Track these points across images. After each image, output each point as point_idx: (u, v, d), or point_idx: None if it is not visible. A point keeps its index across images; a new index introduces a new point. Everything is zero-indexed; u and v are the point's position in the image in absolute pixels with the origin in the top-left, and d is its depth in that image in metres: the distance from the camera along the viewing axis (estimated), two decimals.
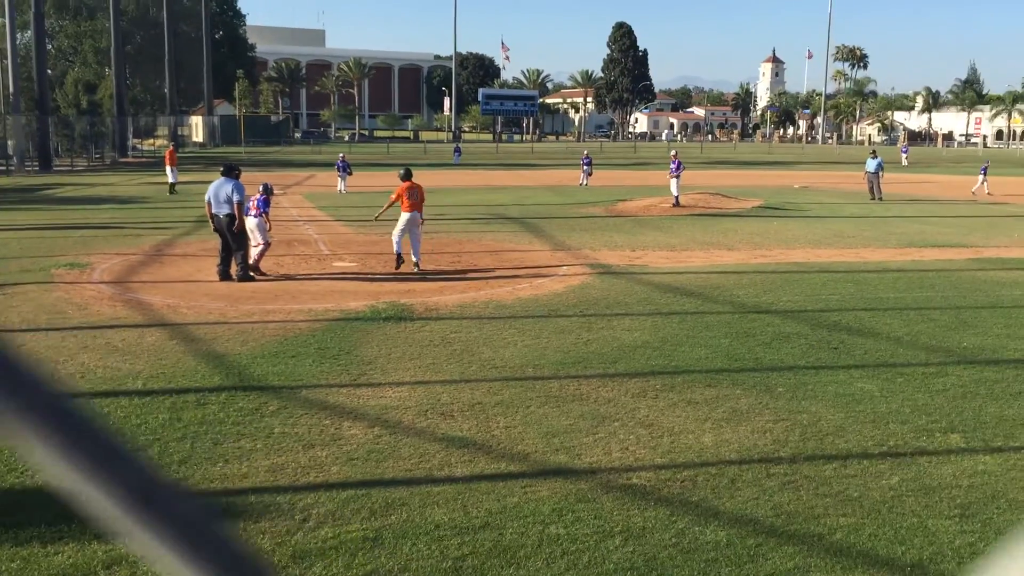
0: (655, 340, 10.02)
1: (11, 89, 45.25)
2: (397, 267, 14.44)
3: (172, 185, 30.91)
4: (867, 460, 6.53)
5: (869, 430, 7.17)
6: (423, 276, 14.23)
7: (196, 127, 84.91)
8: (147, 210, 25.64)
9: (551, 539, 5.21)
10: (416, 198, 14.55)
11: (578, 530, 5.33)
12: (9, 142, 45.01)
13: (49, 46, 67.48)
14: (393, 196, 14.67)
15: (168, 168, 31.14)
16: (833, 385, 8.39)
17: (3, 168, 43.34)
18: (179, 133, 74.52)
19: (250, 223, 14.02)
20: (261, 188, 14.50)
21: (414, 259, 14.60)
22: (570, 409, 7.59)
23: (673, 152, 28.38)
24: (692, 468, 6.34)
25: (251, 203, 14.20)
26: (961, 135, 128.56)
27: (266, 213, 14.34)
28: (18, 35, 51.51)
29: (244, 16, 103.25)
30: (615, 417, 7.40)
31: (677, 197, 26.58)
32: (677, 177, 26.62)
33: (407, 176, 14.74)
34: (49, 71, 57.19)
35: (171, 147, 34.32)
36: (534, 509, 5.61)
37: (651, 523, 5.44)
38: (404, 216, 14.43)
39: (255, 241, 14.11)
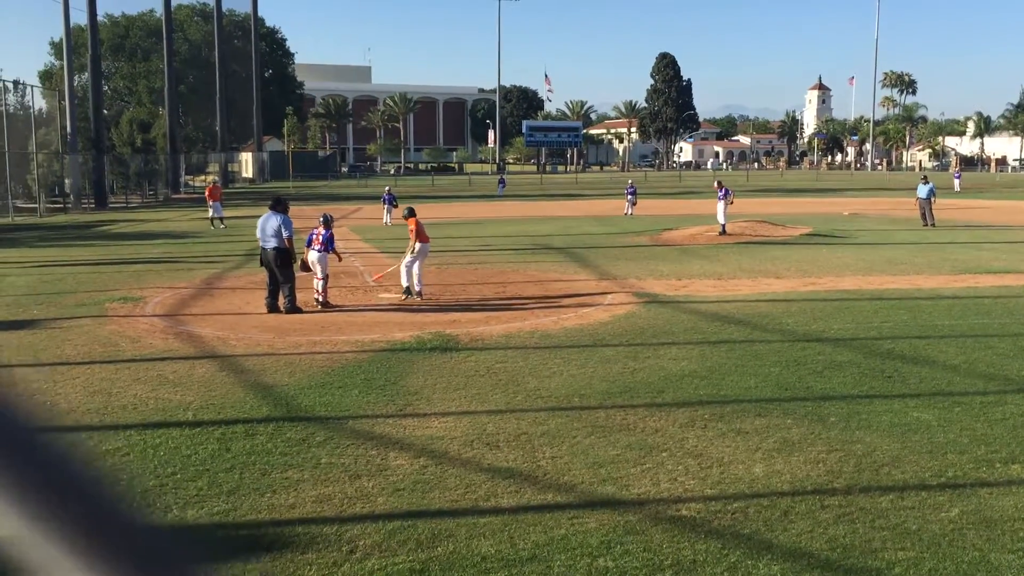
0: (703, 369, 9.89)
1: (68, 129, 46.60)
2: (420, 294, 14.78)
3: (212, 219, 31.68)
4: (925, 492, 6.34)
5: (926, 461, 6.97)
6: (468, 308, 14.26)
7: (246, 163, 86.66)
8: (198, 244, 26.14)
9: (600, 572, 5.13)
10: (423, 231, 15.11)
11: (627, 563, 5.23)
12: (66, 180, 46.32)
13: (105, 87, 69.61)
14: (413, 232, 14.99)
15: (210, 203, 31.97)
16: (888, 415, 8.18)
17: (60, 205, 44.58)
18: (229, 169, 76.05)
19: (312, 256, 14.22)
20: (322, 220, 14.62)
21: (417, 288, 14.86)
22: (617, 439, 7.50)
23: (717, 182, 28.00)
24: (743, 500, 6.20)
25: (315, 236, 14.38)
26: (1015, 160, 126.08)
27: (334, 250, 14.52)
28: (76, 77, 53.16)
29: (293, 55, 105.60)
30: (663, 447, 7.29)
31: (724, 225, 26.29)
32: (725, 204, 26.16)
33: (412, 213, 15.31)
34: (105, 111, 58.88)
35: (213, 183, 35.19)
36: (582, 541, 5.52)
37: (702, 556, 5.32)
38: (419, 247, 14.82)
39: (319, 275, 14.28)
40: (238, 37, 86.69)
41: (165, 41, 61.74)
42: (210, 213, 31.90)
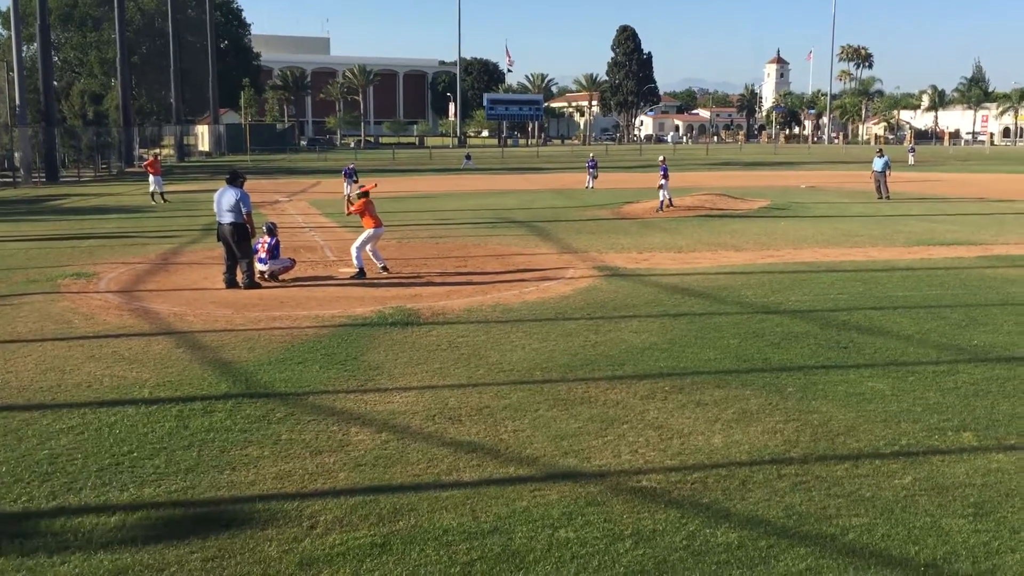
0: (663, 342, 9.97)
1: (17, 101, 45.39)
2: (359, 277, 14.39)
3: (154, 194, 31.50)
4: (879, 460, 6.47)
5: (880, 429, 7.10)
6: (429, 282, 14.21)
7: (202, 136, 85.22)
8: (153, 219, 25.70)
9: (561, 543, 5.17)
10: (375, 212, 14.84)
11: (588, 533, 5.28)
12: (16, 154, 45.18)
13: (55, 58, 67.84)
14: (355, 208, 14.84)
15: (151, 177, 31.82)
16: (843, 384, 8.32)
17: (10, 179, 43.50)
18: (185, 142, 74.73)
19: (260, 267, 13.98)
20: (265, 229, 14.47)
21: (380, 265, 14.75)
22: (579, 412, 7.54)
23: (661, 158, 28.54)
24: (702, 470, 6.28)
25: (260, 245, 14.13)
26: (968, 133, 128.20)
27: (277, 257, 14.34)
28: (24, 47, 51.75)
29: (249, 25, 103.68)
30: (624, 419, 7.35)
31: (669, 198, 26.60)
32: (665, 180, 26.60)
33: (363, 195, 15.02)
34: (55, 83, 57.44)
35: (152, 157, 34.88)
36: (543, 513, 5.56)
37: (662, 526, 5.38)
38: (371, 231, 14.59)
39: (268, 274, 14.13)
40: (192, 6, 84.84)
41: (117, 10, 60.16)
42: (151, 187, 31.69)
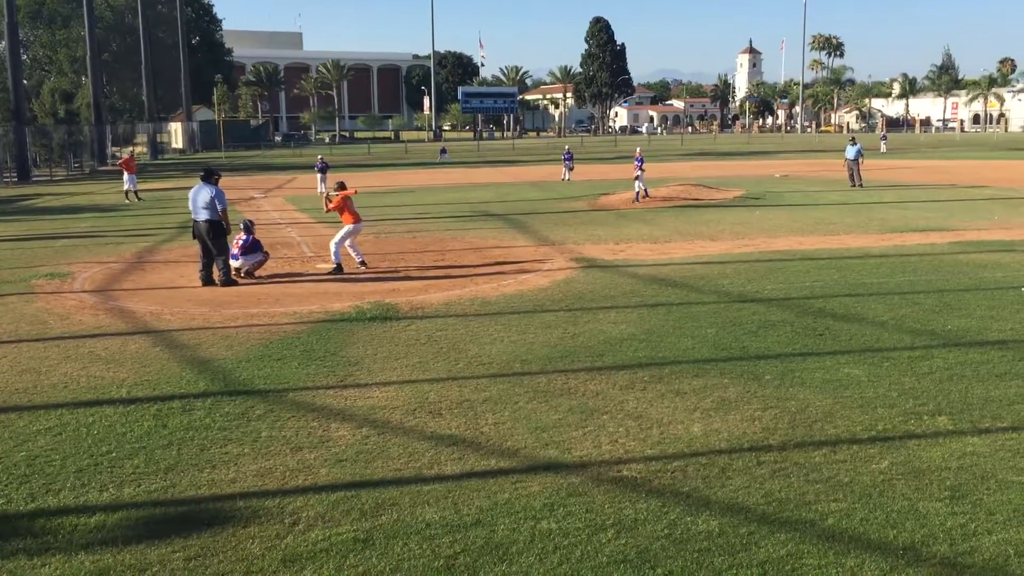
0: (641, 332, 10.01)
1: None
2: (336, 272, 14.38)
3: (128, 192, 31.31)
4: (856, 445, 6.54)
5: (857, 415, 7.18)
6: (407, 277, 14.19)
7: (175, 133, 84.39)
8: (127, 218, 25.46)
9: (543, 534, 5.19)
10: (354, 208, 14.85)
11: (570, 524, 5.31)
12: None
13: (24, 56, 66.90)
14: (334, 204, 14.86)
15: (126, 175, 31.70)
16: (820, 371, 8.40)
17: None
18: (158, 140, 74.00)
19: (235, 264, 13.89)
20: (242, 226, 14.40)
21: (359, 260, 14.76)
22: (558, 403, 7.57)
23: (637, 149, 28.75)
24: (682, 458, 6.32)
25: (235, 243, 14.04)
26: (938, 120, 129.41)
27: (261, 256, 14.29)
28: None
29: (220, 21, 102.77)
30: (604, 410, 7.38)
31: (645, 189, 26.83)
32: (641, 172, 26.87)
33: (341, 187, 15.04)
34: (25, 81, 56.63)
35: (127, 155, 34.70)
36: (525, 505, 5.58)
37: (643, 515, 5.42)
38: (350, 227, 14.64)
39: (244, 271, 14.06)
40: (162, 3, 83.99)
41: (86, 7, 59.39)
42: (126, 186, 31.50)
